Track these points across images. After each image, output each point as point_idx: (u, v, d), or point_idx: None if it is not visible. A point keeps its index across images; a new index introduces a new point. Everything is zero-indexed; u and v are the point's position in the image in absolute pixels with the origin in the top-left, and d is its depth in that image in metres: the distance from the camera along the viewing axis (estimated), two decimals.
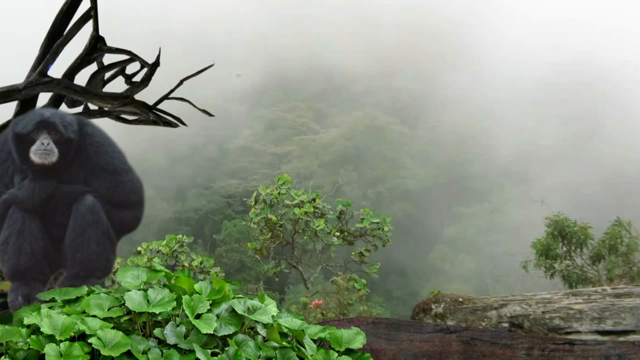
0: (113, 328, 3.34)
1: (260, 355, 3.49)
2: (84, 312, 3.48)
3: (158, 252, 13.05)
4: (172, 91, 5.00)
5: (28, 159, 4.11)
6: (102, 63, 5.06)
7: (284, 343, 3.63)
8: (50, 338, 3.24)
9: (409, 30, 68.38)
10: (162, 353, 3.33)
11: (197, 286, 3.72)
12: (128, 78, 5.07)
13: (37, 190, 4.13)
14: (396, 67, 67.17)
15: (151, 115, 4.92)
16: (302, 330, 3.72)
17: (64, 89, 4.81)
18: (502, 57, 64.61)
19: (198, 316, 3.47)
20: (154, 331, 3.45)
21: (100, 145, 4.32)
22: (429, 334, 4.80)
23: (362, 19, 72.17)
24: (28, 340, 3.27)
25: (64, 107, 5.11)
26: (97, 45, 4.88)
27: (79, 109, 5.18)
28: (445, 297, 5.91)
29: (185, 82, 5.04)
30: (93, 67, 5.05)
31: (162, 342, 3.41)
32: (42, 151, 4.08)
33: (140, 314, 3.47)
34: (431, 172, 57.30)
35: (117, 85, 5.07)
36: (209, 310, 3.53)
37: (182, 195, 56.17)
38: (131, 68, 5.12)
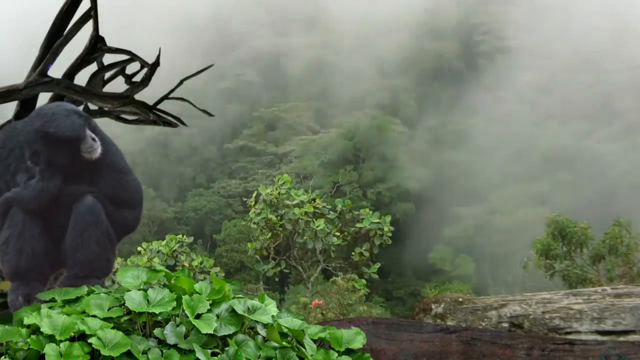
0: (113, 328, 3.33)
1: (260, 355, 3.49)
2: (84, 312, 3.48)
3: (158, 252, 13.09)
4: (172, 91, 5.00)
5: (63, 157, 4.11)
6: (102, 63, 5.05)
7: (284, 343, 3.63)
8: (50, 338, 3.24)
9: (410, 30, 68.38)
10: (162, 353, 3.33)
11: (197, 286, 3.72)
12: (128, 78, 5.06)
13: (44, 191, 4.12)
14: (396, 67, 67.18)
15: (151, 115, 4.92)
16: (302, 330, 3.71)
17: (64, 89, 4.81)
18: (502, 57, 64.62)
19: (198, 316, 3.46)
20: (154, 331, 3.44)
21: (106, 142, 4.32)
22: (429, 334, 4.80)
23: (362, 18, 72.16)
24: (28, 340, 3.26)
25: None
26: (97, 45, 4.87)
27: (79, 109, 5.17)
28: (445, 297, 5.91)
29: (185, 82, 5.03)
30: (93, 67, 5.04)
31: (162, 342, 3.41)
32: (94, 148, 4.15)
33: (140, 314, 3.47)
34: (431, 172, 57.27)
35: (117, 85, 5.07)
36: (209, 310, 3.53)
37: (182, 195, 56.18)
38: (131, 68, 5.12)
